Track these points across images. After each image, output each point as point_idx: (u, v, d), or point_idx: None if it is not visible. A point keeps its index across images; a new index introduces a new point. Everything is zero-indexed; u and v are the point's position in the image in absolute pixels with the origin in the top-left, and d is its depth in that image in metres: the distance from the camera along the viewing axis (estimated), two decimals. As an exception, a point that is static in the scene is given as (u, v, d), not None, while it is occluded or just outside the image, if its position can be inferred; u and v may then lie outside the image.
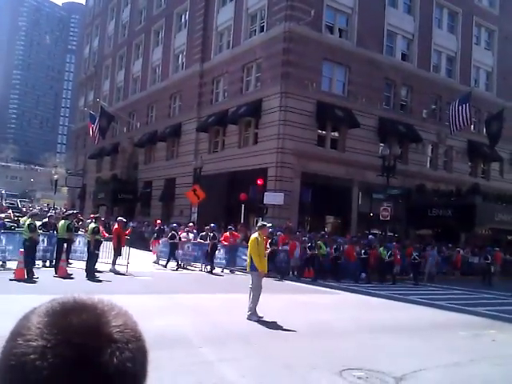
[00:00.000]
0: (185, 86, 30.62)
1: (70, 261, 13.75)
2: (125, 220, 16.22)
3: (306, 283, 15.59)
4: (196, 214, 22.21)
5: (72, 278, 11.92)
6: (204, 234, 17.41)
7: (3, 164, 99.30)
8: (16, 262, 11.40)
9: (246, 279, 9.36)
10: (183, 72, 31.74)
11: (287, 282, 15.66)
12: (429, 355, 6.68)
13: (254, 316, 8.34)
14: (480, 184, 27.66)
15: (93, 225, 13.03)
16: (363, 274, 17.88)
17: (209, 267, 16.64)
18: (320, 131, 24.19)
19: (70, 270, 12.53)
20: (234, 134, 26.02)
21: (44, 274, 11.90)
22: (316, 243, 17.70)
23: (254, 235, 8.98)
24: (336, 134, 24.97)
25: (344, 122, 24.31)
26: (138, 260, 15.96)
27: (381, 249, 18.58)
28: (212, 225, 17.45)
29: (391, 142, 24.61)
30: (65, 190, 57.35)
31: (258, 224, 9.72)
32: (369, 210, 24.59)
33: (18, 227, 14.54)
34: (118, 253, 14.31)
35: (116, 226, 15.00)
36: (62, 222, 13.35)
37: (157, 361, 5.20)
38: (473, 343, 7.99)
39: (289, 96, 22.75)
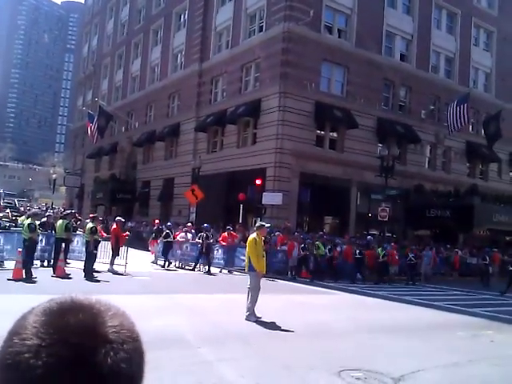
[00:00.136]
0: (183, 85, 30.59)
1: (68, 261, 13.70)
2: (123, 220, 16.18)
3: (304, 283, 15.59)
4: (194, 214, 22.20)
5: (70, 278, 11.89)
6: (203, 234, 17.40)
7: (1, 163, 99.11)
8: (14, 262, 11.36)
9: (245, 279, 9.35)
10: (182, 72, 31.72)
11: (285, 282, 15.66)
12: (427, 356, 6.68)
13: (252, 316, 8.33)
14: (478, 185, 27.76)
15: (90, 224, 12.99)
16: (359, 276, 17.89)
17: (202, 267, 16.58)
18: (318, 131, 24.20)
19: (68, 270, 12.49)
20: (232, 134, 26.01)
21: (42, 273, 11.87)
22: (314, 243, 17.72)
23: (252, 235, 8.97)
24: (334, 134, 24.98)
25: (342, 122, 24.33)
26: (137, 260, 15.94)
27: (379, 249, 18.59)
28: (205, 225, 17.46)
29: (390, 143, 24.66)
30: (63, 189, 57.29)
31: (257, 224, 9.72)
32: (367, 210, 24.61)
33: (15, 227, 14.50)
34: (116, 253, 14.27)
35: (114, 225, 14.97)
36: (60, 221, 13.32)
37: (156, 361, 5.19)
38: (471, 344, 7.99)
39: (287, 96, 22.75)
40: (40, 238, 13.34)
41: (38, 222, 12.50)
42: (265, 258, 9.15)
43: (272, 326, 8.02)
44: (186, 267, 17.26)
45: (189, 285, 13.42)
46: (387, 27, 26.68)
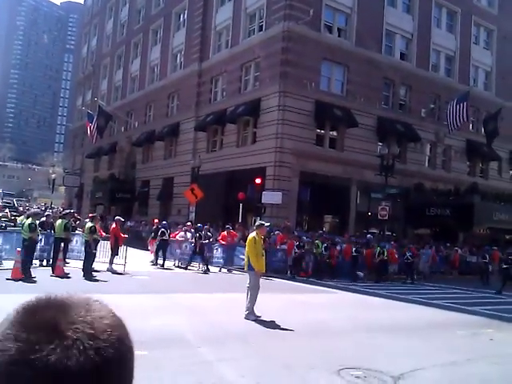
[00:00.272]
0: (183, 85, 30.56)
1: (67, 260, 13.68)
2: (123, 219, 16.16)
3: (303, 282, 15.56)
4: (194, 214, 22.16)
5: (69, 278, 11.86)
6: (203, 233, 17.38)
7: (0, 163, 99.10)
8: (12, 262, 11.33)
9: (244, 279, 9.32)
10: (181, 71, 31.68)
11: (284, 281, 15.63)
12: (427, 354, 6.66)
13: (251, 315, 8.31)
14: (478, 183, 27.69)
15: (89, 224, 12.96)
16: (360, 274, 17.88)
17: (202, 266, 16.54)
18: (318, 130, 24.17)
19: (67, 270, 12.47)
20: (232, 133, 25.98)
21: (41, 273, 11.84)
22: (313, 242, 17.71)
23: (252, 234, 8.94)
24: (334, 133, 24.95)
25: (342, 121, 24.30)
26: (136, 259, 15.90)
27: (378, 248, 18.56)
28: (199, 225, 17.41)
29: (390, 142, 24.64)
30: (62, 189, 57.27)
31: (256, 223, 9.68)
32: (367, 209, 24.58)
33: (14, 226, 14.48)
34: (115, 252, 14.25)
35: (114, 225, 14.94)
36: (60, 221, 13.30)
37: (155, 361, 5.17)
38: (471, 342, 7.98)
39: (287, 95, 22.72)
40: (39, 237, 13.33)
41: (37, 222, 12.47)
42: (264, 257, 9.13)
43: (271, 325, 8.00)
44: (181, 266, 17.19)
45: (188, 284, 13.39)
46: (387, 26, 26.64)
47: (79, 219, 21.15)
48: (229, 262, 17.38)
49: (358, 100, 24.66)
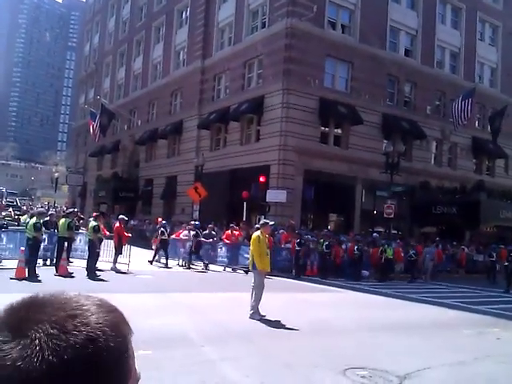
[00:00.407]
0: (186, 82, 30.46)
1: (71, 259, 13.67)
2: (126, 218, 16.10)
3: (308, 281, 15.47)
4: (197, 212, 22.09)
5: (73, 277, 11.84)
6: (207, 232, 17.30)
7: (3, 162, 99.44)
8: (16, 261, 11.30)
9: (248, 278, 9.24)
10: (184, 69, 31.58)
11: (289, 280, 15.54)
12: (432, 354, 6.58)
13: (256, 315, 8.24)
14: (485, 181, 27.47)
15: (93, 223, 12.90)
16: (365, 272, 17.76)
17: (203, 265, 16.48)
18: (323, 128, 24.03)
19: (70, 269, 12.43)
20: (235, 131, 25.87)
21: (45, 272, 11.80)
22: (318, 241, 17.61)
23: (256, 233, 8.87)
24: (339, 130, 24.80)
25: (347, 118, 24.14)
26: (139, 258, 15.86)
27: (383, 247, 18.43)
28: (196, 222, 17.33)
29: (395, 139, 24.43)
30: (65, 188, 57.38)
31: (260, 222, 9.59)
32: (372, 207, 24.44)
33: (18, 225, 14.44)
34: (119, 251, 14.21)
35: (117, 224, 14.88)
36: (63, 220, 13.27)
37: (158, 360, 5.10)
38: (477, 341, 7.89)
39: (291, 93, 22.58)
40: (43, 236, 13.28)
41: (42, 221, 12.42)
42: (269, 256, 9.03)
43: (276, 324, 7.94)
44: (184, 265, 17.11)
45: (192, 283, 13.33)
46: (391, 22, 26.44)
47: (82, 218, 21.13)
48: (233, 261, 17.30)
49: (362, 97, 24.49)
